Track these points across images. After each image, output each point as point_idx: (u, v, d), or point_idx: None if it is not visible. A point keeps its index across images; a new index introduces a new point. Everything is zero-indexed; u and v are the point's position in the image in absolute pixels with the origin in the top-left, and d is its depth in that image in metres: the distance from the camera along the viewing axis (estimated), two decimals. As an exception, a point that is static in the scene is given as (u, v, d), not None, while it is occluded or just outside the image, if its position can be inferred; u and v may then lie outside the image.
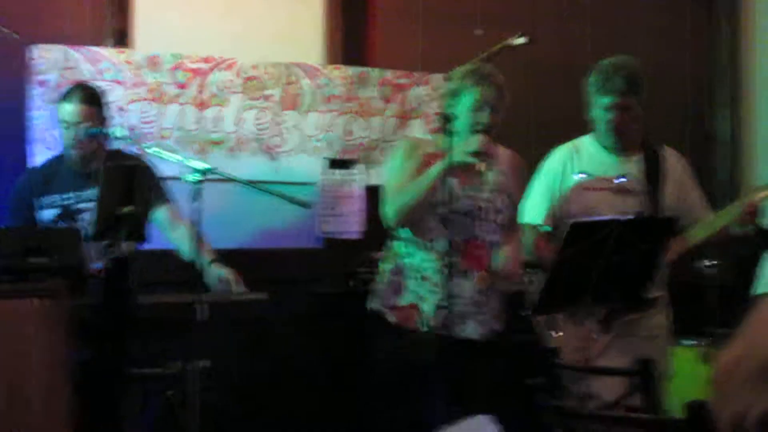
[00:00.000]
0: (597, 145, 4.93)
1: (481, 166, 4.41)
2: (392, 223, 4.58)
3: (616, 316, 4.71)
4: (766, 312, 1.78)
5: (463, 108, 4.56)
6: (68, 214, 4.98)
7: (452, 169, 4.40)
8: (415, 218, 4.53)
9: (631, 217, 4.21)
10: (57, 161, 5.17)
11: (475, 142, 4.41)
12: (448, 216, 4.48)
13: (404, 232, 4.63)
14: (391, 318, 4.60)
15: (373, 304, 4.72)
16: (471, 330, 4.58)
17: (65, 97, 5.06)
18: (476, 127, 4.50)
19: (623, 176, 4.76)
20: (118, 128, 4.93)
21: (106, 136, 4.96)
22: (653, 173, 4.88)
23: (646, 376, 2.93)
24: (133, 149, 5.20)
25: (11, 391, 3.74)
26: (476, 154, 4.38)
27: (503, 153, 4.77)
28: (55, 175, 5.09)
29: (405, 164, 4.61)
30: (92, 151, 5.02)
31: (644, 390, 2.91)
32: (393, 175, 4.66)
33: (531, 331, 4.75)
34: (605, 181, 4.81)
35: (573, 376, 4.33)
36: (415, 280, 4.59)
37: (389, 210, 4.55)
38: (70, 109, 4.98)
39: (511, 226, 4.75)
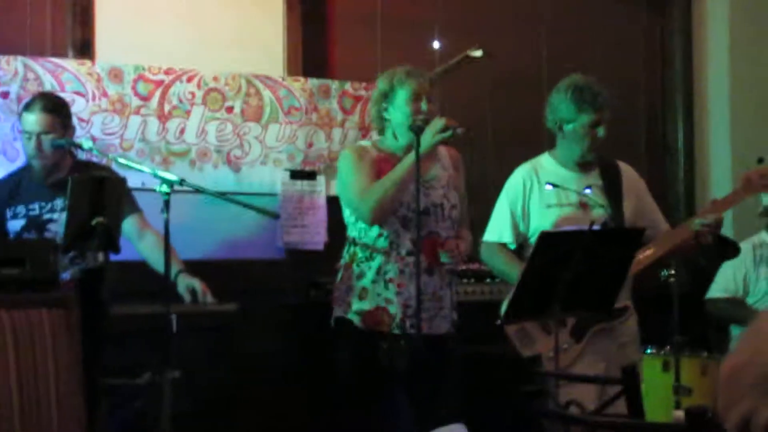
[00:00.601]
0: (556, 162, 4.99)
1: (463, 130, 4.51)
2: (370, 221, 4.64)
3: (586, 326, 4.78)
4: None
5: (399, 103, 4.67)
6: (35, 224, 4.94)
7: (424, 157, 4.49)
8: (390, 213, 4.60)
9: (598, 227, 4.26)
10: (22, 172, 5.12)
11: (439, 121, 4.51)
12: (407, 215, 4.56)
13: (366, 237, 4.69)
14: (358, 323, 4.65)
15: (336, 312, 4.77)
16: (438, 325, 4.67)
17: (27, 107, 5.01)
18: (418, 117, 4.57)
19: (588, 187, 4.82)
20: (84, 139, 4.91)
21: (71, 146, 4.94)
22: (614, 188, 4.96)
23: (631, 383, 2.98)
24: (101, 160, 5.21)
25: (29, 400, 3.77)
26: (445, 128, 4.48)
27: (443, 151, 4.89)
28: (19, 185, 5.04)
29: (360, 168, 4.69)
30: (56, 162, 4.98)
31: (630, 397, 2.96)
32: (352, 181, 4.72)
33: (503, 340, 4.81)
34: (567, 197, 4.87)
35: (551, 384, 4.38)
36: (379, 283, 4.65)
37: (365, 210, 4.62)
38: (31, 119, 4.92)
39: (462, 219, 4.90)
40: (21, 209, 4.98)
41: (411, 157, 4.50)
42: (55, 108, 4.99)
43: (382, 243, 4.67)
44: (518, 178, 5.02)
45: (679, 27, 7.38)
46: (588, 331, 4.79)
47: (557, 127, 4.94)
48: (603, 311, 4.55)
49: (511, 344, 4.80)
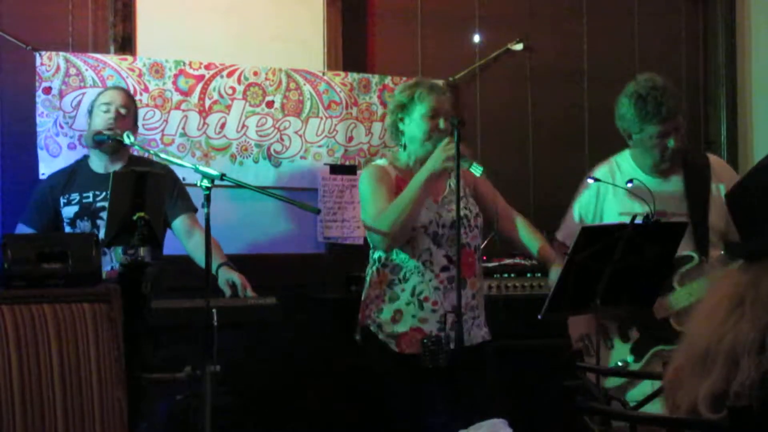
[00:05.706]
0: (634, 165, 4.83)
1: (470, 162, 4.42)
2: (386, 246, 4.61)
3: (647, 346, 4.69)
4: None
5: (416, 117, 4.63)
6: (88, 212, 5.03)
7: (434, 177, 4.45)
8: (406, 236, 4.55)
9: (640, 221, 4.21)
10: (80, 162, 5.24)
11: (450, 147, 4.43)
12: (438, 232, 4.54)
13: (397, 258, 4.65)
14: (393, 347, 4.61)
15: (372, 327, 4.71)
16: (475, 335, 4.66)
17: (111, 86, 5.38)
18: (433, 134, 4.53)
19: (630, 181, 4.68)
20: (126, 134, 4.93)
21: (112, 140, 4.95)
22: (698, 193, 4.76)
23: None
24: (144, 155, 5.25)
25: (71, 393, 3.80)
26: (452, 157, 4.41)
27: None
28: (76, 174, 5.15)
29: (379, 189, 4.63)
30: (117, 149, 5.08)
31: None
32: (370, 202, 4.66)
33: (544, 335, 4.78)
34: (642, 206, 4.60)
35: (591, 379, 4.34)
36: (414, 305, 4.60)
37: (379, 234, 4.57)
38: (115, 93, 5.16)
39: (506, 213, 4.87)
40: (75, 196, 5.08)
41: (419, 178, 4.48)
42: (133, 101, 5.31)
43: (414, 263, 4.61)
44: (593, 182, 4.87)
45: (722, 19, 7.30)
46: (648, 352, 4.70)
47: (626, 134, 4.78)
48: (644, 306, 4.51)
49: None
